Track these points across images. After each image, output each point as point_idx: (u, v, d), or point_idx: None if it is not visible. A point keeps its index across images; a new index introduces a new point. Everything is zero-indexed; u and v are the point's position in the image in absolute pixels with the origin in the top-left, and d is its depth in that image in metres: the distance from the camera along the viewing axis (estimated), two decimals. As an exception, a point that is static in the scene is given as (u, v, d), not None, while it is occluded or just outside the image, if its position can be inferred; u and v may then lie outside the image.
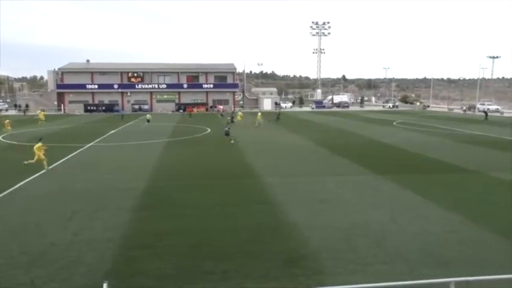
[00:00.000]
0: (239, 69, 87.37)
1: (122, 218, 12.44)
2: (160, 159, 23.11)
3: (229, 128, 34.31)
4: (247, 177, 18.35)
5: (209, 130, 38.97)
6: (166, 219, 12.44)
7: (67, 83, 73.17)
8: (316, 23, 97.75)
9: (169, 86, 75.55)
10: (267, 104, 79.64)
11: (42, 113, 47.20)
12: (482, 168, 19.94)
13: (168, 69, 78.13)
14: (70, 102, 72.09)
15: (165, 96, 75.68)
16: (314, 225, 11.82)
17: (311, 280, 8.35)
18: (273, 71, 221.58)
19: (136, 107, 72.97)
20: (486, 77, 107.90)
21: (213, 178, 18.12)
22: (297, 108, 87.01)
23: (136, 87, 74.41)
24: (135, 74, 74.52)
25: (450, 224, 11.89)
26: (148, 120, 46.16)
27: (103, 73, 74.54)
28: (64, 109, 70.21)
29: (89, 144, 28.75)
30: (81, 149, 26.48)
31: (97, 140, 31.51)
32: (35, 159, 19.26)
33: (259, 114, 47.70)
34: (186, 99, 75.50)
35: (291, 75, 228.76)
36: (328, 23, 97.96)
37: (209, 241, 10.63)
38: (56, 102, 72.33)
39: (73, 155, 24.39)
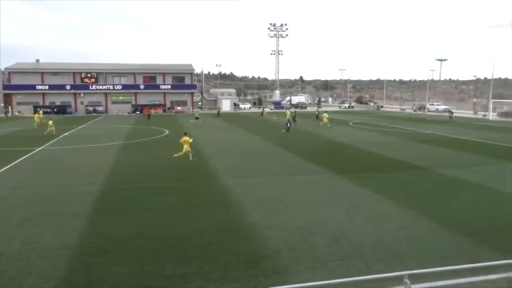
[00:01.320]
0: (197, 70, 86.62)
1: (77, 224, 11.98)
2: (116, 162, 22.47)
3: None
4: (206, 179, 18.22)
5: (167, 132, 38.36)
6: (124, 224, 12.10)
7: (15, 83, 69.54)
8: (274, 25, 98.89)
9: (125, 86, 73.60)
10: (226, 105, 79.52)
11: None
12: (432, 165, 20.91)
13: (124, 69, 76.09)
14: (18, 103, 68.54)
15: (121, 98, 73.65)
16: (273, 225, 11.92)
17: (271, 280, 8.41)
18: (231, 72, 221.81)
19: (91, 108, 70.56)
20: (435, 79, 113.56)
21: (171, 180, 17.85)
22: (255, 109, 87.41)
23: (90, 88, 71.92)
24: (89, 75, 72.00)
25: (404, 220, 12.37)
26: (197, 118, 49.35)
27: (54, 73, 71.46)
28: (12, 111, 66.64)
29: (40, 148, 27.47)
30: (31, 153, 25.25)
31: (49, 143, 30.17)
32: None
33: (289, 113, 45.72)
34: (142, 100, 73.86)
35: (250, 76, 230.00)
36: (286, 25, 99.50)
37: (168, 244, 10.46)
38: (2, 104, 68.52)
39: (23, 158, 23.22)
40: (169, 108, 73.47)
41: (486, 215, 12.91)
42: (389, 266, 8.83)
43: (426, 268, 7.05)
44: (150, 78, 75.84)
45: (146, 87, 74.47)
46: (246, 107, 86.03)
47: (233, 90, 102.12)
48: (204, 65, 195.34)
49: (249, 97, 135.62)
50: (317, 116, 54.42)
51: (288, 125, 37.24)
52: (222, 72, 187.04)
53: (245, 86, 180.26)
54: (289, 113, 46.76)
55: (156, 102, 74.18)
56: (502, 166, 21.02)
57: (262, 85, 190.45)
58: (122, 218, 12.67)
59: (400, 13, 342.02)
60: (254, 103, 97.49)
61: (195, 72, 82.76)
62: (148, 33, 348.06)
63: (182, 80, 77.16)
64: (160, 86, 75.19)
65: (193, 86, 79.05)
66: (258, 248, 10.24)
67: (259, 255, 9.79)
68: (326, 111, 52.34)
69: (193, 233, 11.33)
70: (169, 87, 75.36)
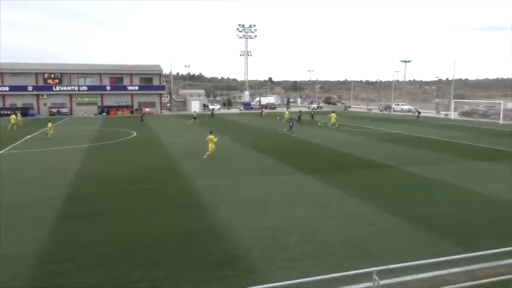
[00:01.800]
0: (166, 71, 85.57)
1: (41, 230, 11.57)
2: (82, 165, 21.86)
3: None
4: (175, 180, 18.03)
5: (135, 134, 37.68)
6: (91, 229, 11.79)
7: (-28, 84, 66.44)
8: (243, 26, 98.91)
9: (90, 88, 71.72)
10: (195, 106, 78.89)
11: None
12: (398, 163, 21.51)
13: (89, 70, 74.05)
14: (-24, 105, 65.60)
15: (86, 99, 71.72)
16: (245, 225, 11.94)
17: (244, 280, 8.41)
18: (200, 73, 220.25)
19: (54, 110, 68.29)
20: (400, 79, 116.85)
21: (140, 183, 17.54)
22: (225, 110, 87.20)
23: (54, 89, 69.59)
24: (52, 75, 69.68)
25: (371, 217, 12.66)
26: (195, 118, 49.16)
27: (15, 74, 68.70)
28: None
29: (1, 151, 26.35)
30: (-10, 157, 24.19)
31: (9, 146, 28.99)
32: None
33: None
34: (109, 101, 72.16)
35: (219, 77, 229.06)
36: (255, 25, 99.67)
37: (137, 249, 10.28)
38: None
39: (-19, 164, 22.20)
40: (136, 109, 72.11)
41: (449, 211, 13.40)
42: (359, 263, 9.02)
43: (393, 264, 7.25)
44: (116, 79, 74.20)
45: (113, 88, 72.80)
46: (215, 108, 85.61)
47: (202, 91, 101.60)
48: (172, 65, 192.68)
49: (218, 98, 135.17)
50: (312, 116, 56.98)
51: (291, 123, 38.06)
52: (191, 73, 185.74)
53: (214, 87, 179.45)
54: (287, 113, 50.02)
55: (123, 104, 72.70)
56: (463, 164, 21.87)
57: (232, 86, 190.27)
58: (88, 223, 12.34)
59: (366, 15, 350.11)
60: (224, 104, 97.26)
61: (164, 73, 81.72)
62: (115, 34, 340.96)
63: (150, 81, 75.96)
64: (128, 87, 73.71)
65: (162, 87, 78.01)
66: (230, 248, 10.23)
67: (232, 255, 9.77)
68: (334, 111, 52.68)
69: (164, 236, 11.18)
70: (136, 88, 74.00)
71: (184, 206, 14.17)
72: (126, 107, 72.20)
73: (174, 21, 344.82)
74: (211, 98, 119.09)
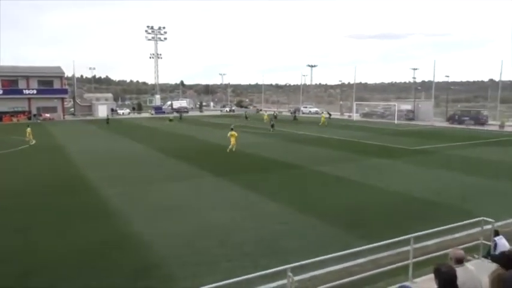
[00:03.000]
0: (68, 73, 79.78)
1: None
2: (-30, 178, 19.44)
3: None
4: (83, 190, 16.86)
5: (34, 141, 34.52)
6: (-18, 249, 10.50)
7: None
8: (152, 28, 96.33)
9: (-22, 92, 64.19)
10: (102, 111, 74.72)
11: None
12: (307, 163, 22.52)
13: (-24, 72, 66.27)
14: None
15: (-27, 105, 64.12)
16: (158, 233, 11.56)
17: (158, 290, 8.12)
18: (107, 76, 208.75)
19: None
20: (307, 83, 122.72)
21: (44, 195, 16.08)
22: (135, 115, 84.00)
23: None
24: None
25: (283, 216, 13.06)
26: (171, 120, 52.51)
27: None
28: None
29: None
30: None
31: None
32: None
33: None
34: (2, 107, 65.09)
35: (128, 80, 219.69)
36: (164, 28, 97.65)
37: (41, 267, 9.38)
38: None
39: None
40: (35, 115, 66.15)
41: (354, 206, 14.34)
42: (273, 261, 9.21)
43: (306, 259, 7.51)
44: (10, 82, 67.25)
45: (6, 92, 65.78)
46: (124, 112, 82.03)
47: (110, 95, 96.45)
48: (75, 67, 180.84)
49: (127, 102, 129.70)
50: (295, 117, 60.43)
51: (272, 122, 44.85)
52: (97, 76, 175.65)
53: (123, 91, 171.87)
54: (266, 115, 58.80)
55: (20, 109, 66.21)
56: (365, 161, 23.61)
57: (142, 89, 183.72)
58: (-21, 242, 10.98)
59: (275, 21, 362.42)
60: (133, 108, 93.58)
61: (66, 76, 76.17)
62: (8, 33, 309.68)
63: (50, 84, 70.13)
64: (24, 91, 67.19)
65: (64, 91, 72.53)
66: (143, 258, 9.82)
67: (144, 265, 9.38)
68: (323, 112, 59.88)
69: (71, 250, 10.36)
70: (34, 92, 67.72)
71: (92, 216, 13.29)
72: (23, 112, 65.91)
73: (76, 22, 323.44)
74: (119, 102, 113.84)
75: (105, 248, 10.44)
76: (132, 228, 12.04)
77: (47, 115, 65.77)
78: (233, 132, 27.52)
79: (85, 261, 9.66)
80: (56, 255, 10.07)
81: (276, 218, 12.90)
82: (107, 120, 57.58)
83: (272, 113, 67.10)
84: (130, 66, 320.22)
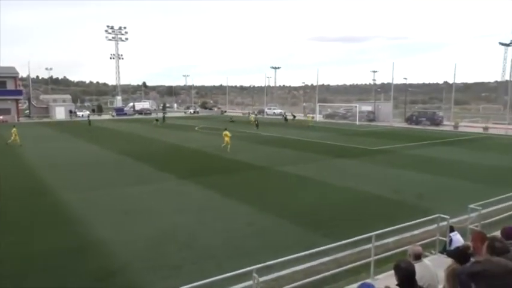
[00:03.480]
0: (23, 74, 76.43)
1: None
2: None
3: None
4: (40, 195, 16.20)
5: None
6: None
7: None
8: (112, 28, 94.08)
9: None
10: (60, 113, 72.07)
11: None
12: (271, 164, 22.70)
13: None
14: None
15: None
16: (122, 238, 11.31)
17: (121, 296, 7.94)
18: (65, 76, 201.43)
19: None
20: (271, 85, 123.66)
21: (-5, 201, 15.33)
22: (96, 117, 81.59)
23: None
24: None
25: (249, 217, 13.12)
26: (157, 120, 53.89)
27: None
28: None
29: None
30: None
31: None
32: None
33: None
34: None
35: (87, 81, 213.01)
36: (125, 28, 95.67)
37: (-6, 276, 8.94)
38: None
39: None
40: (-13, 117, 62.92)
41: (318, 205, 14.61)
42: (239, 263, 9.23)
43: (272, 260, 7.59)
44: (-42, 82, 63.67)
45: (-47, 94, 62.29)
46: (83, 114, 79.48)
47: (68, 97, 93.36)
48: (31, 68, 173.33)
49: (87, 103, 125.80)
50: (285, 119, 60.20)
51: (256, 122, 48.90)
52: (54, 77, 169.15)
53: (82, 92, 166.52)
54: (253, 117, 60.26)
55: (-31, 111, 62.76)
56: (328, 161, 24.09)
57: (102, 91, 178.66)
58: None
59: (239, 23, 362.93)
60: (93, 110, 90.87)
61: (20, 76, 72.89)
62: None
63: (3, 85, 66.77)
64: (-26, 93, 63.84)
65: (18, 92, 69.35)
66: (106, 264, 9.57)
67: (107, 272, 9.16)
68: (308, 112, 63.04)
69: (25, 258, 9.94)
70: (-14, 93, 64.51)
71: (52, 223, 12.81)
72: (-27, 114, 62.47)
73: (32, 21, 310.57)
74: (78, 104, 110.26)
75: (63, 258, 10.06)
76: (93, 233, 11.71)
77: (0, 117, 62.70)
78: (226, 132, 28.80)
79: (42, 270, 9.31)
80: (11, 264, 9.64)
81: (242, 219, 12.93)
82: (89, 122, 56.95)
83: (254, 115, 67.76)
84: (90, 66, 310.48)
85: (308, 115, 61.47)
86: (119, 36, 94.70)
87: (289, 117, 61.90)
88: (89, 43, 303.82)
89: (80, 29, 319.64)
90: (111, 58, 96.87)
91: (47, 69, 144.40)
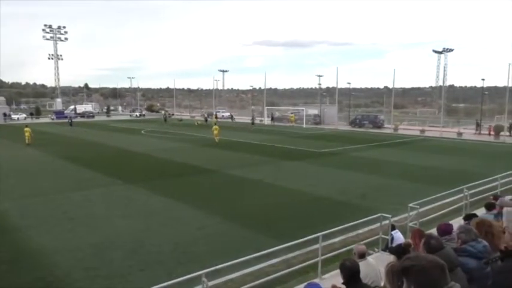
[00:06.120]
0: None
1: None
2: None
3: None
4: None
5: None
6: None
7: None
8: (50, 27, 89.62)
9: None
10: (-6, 116, 67.25)
11: None
12: (220, 167, 22.62)
13: None
14: None
15: None
16: (63, 246, 10.76)
17: (63, 308, 7.55)
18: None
19: None
20: (219, 88, 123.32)
21: None
22: (33, 120, 77.04)
23: None
24: None
25: (198, 221, 12.98)
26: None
27: None
28: None
29: None
30: None
31: None
32: None
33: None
34: None
35: (23, 83, 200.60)
36: (65, 27, 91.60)
37: None
38: None
39: None
40: None
41: (267, 208, 14.74)
42: (189, 268, 9.10)
43: (222, 263, 7.56)
44: None
45: None
46: (20, 117, 74.83)
47: (2, 99, 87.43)
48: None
49: (23, 106, 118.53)
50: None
51: (252, 121, 54.25)
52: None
53: (18, 94, 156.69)
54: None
55: None
56: (276, 164, 24.39)
57: (40, 93, 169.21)
58: None
59: (186, 25, 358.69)
60: (31, 113, 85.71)
61: None
62: None
63: None
64: None
65: None
66: (45, 275, 9.06)
67: (46, 283, 8.68)
68: (292, 113, 63.72)
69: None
70: None
71: (-18, 233, 11.91)
72: None
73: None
74: (14, 106, 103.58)
75: (-1, 268, 9.42)
76: (32, 243, 11.05)
77: None
78: (216, 127, 34.49)
79: (-25, 284, 8.64)
80: None
81: (190, 223, 12.77)
82: (70, 123, 55.91)
83: (203, 117, 67.71)
84: (26, 67, 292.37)
85: (291, 114, 62.34)
86: (58, 36, 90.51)
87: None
88: (24, 43, 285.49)
89: (13, 27, 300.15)
90: (49, 58, 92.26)
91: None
